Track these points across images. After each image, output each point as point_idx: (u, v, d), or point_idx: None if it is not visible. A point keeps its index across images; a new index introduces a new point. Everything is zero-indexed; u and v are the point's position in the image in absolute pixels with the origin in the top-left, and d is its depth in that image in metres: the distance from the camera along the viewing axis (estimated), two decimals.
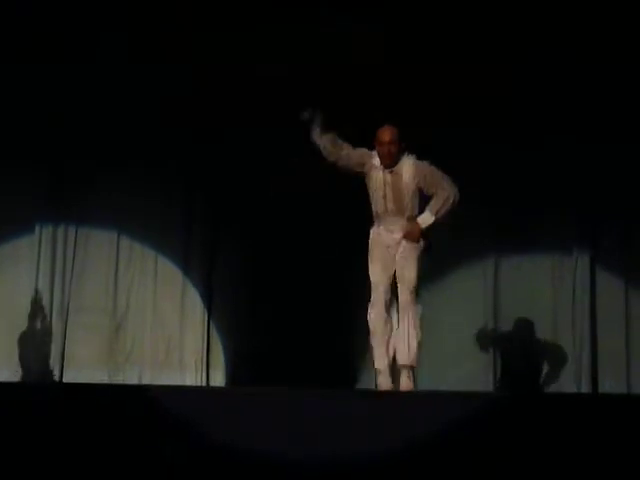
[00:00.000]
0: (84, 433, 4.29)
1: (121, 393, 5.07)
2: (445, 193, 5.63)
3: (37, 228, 7.63)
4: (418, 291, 5.70)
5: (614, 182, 7.33)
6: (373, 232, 5.75)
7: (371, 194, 5.73)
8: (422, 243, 5.65)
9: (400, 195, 5.64)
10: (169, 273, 7.82)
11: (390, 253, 5.66)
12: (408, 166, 5.66)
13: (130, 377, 7.50)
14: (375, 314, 5.66)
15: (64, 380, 7.38)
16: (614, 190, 7.32)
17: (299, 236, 7.38)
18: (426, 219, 5.62)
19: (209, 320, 7.67)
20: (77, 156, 7.68)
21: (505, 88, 7.22)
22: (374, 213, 5.75)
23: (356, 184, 6.06)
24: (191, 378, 7.46)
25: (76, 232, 7.65)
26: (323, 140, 5.78)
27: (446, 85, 7.19)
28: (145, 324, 7.67)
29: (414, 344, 5.59)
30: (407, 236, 5.62)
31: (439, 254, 6.82)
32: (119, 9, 7.21)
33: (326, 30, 7.10)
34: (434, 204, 5.64)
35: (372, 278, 5.70)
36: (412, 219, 5.64)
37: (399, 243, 5.65)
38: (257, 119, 7.34)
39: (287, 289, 7.53)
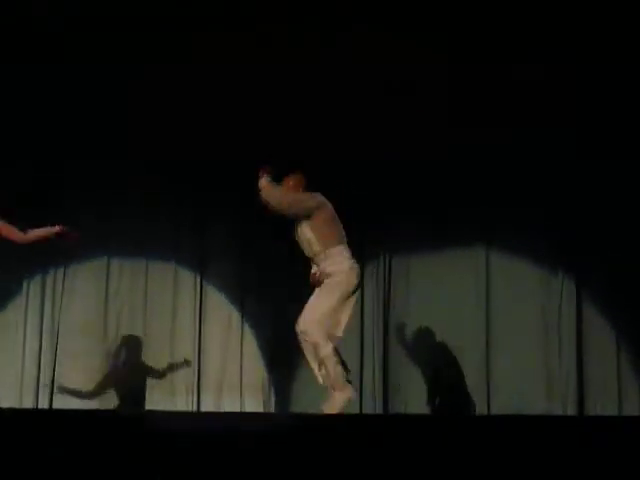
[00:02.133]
0: (74, 459, 4.27)
1: (111, 419, 5.06)
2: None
3: None
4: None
5: (601, 206, 7.38)
6: None
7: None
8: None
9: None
10: (159, 297, 7.83)
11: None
12: None
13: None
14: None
15: (54, 406, 7.38)
16: (600, 214, 7.37)
17: (290, 262, 7.36)
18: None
19: (200, 344, 7.68)
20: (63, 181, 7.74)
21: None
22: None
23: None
24: (182, 402, 7.50)
25: (65, 257, 7.67)
26: None
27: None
28: (134, 349, 7.68)
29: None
30: None
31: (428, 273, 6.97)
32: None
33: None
34: None
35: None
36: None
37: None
38: (245, 125, 7.41)
39: (278, 312, 7.57)
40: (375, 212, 7.77)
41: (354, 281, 5.80)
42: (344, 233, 5.92)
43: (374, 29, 6.93)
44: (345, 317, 5.78)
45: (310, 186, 7.33)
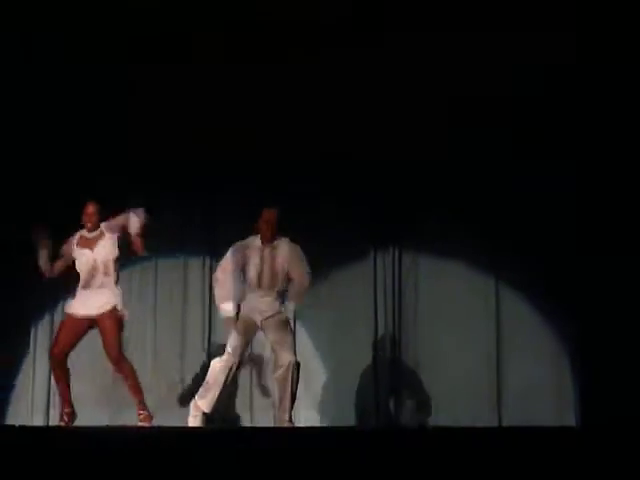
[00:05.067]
0: (85, 476, 4.27)
1: (121, 435, 5.06)
2: (306, 281, 6.28)
3: None
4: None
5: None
6: (243, 306, 6.27)
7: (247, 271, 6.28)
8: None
9: (275, 271, 6.20)
10: (168, 311, 7.82)
11: (254, 324, 6.22)
12: (285, 245, 6.25)
13: (130, 419, 7.47)
14: (225, 367, 6.15)
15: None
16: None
17: None
18: (291, 307, 6.31)
19: (209, 359, 7.65)
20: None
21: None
22: (247, 286, 6.28)
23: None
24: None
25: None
26: None
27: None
28: (145, 365, 7.67)
29: (291, 404, 6.08)
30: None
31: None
32: None
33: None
34: (297, 292, 6.28)
35: (232, 342, 6.18)
36: (280, 295, 6.25)
37: (267, 318, 6.18)
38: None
39: None
40: (388, 209, 7.77)
41: None
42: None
43: (378, 29, 6.93)
44: None
45: (325, 184, 7.35)
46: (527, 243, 7.50)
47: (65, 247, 6.35)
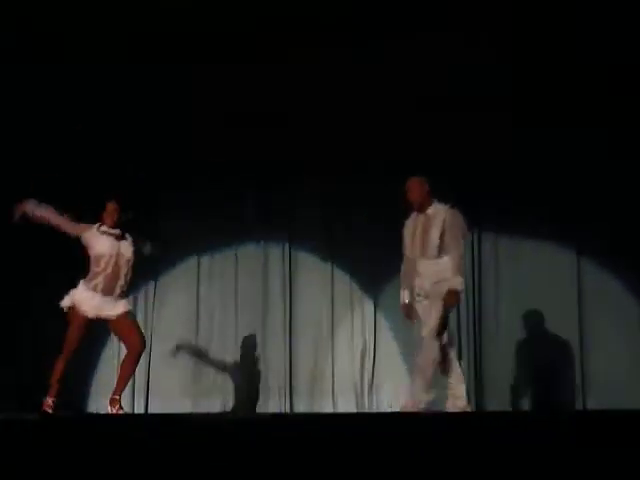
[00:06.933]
0: (169, 462, 4.32)
1: (204, 422, 5.11)
2: (454, 249, 5.83)
3: None
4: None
5: None
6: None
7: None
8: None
9: (428, 238, 5.86)
10: (249, 298, 7.86)
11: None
12: (442, 213, 5.90)
13: (214, 405, 7.57)
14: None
15: (150, 410, 7.51)
16: None
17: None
18: (456, 283, 5.80)
19: (291, 346, 7.71)
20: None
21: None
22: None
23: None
24: (275, 405, 7.51)
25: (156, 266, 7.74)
26: None
27: None
28: (227, 351, 7.75)
29: (420, 381, 5.74)
30: (449, 303, 5.84)
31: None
32: None
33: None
34: (455, 266, 5.82)
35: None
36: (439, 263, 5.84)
37: (431, 285, 5.86)
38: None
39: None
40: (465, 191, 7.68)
41: None
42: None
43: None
44: None
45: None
46: (611, 223, 7.34)
47: (82, 227, 6.13)
